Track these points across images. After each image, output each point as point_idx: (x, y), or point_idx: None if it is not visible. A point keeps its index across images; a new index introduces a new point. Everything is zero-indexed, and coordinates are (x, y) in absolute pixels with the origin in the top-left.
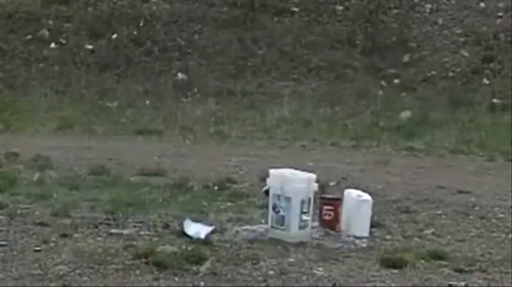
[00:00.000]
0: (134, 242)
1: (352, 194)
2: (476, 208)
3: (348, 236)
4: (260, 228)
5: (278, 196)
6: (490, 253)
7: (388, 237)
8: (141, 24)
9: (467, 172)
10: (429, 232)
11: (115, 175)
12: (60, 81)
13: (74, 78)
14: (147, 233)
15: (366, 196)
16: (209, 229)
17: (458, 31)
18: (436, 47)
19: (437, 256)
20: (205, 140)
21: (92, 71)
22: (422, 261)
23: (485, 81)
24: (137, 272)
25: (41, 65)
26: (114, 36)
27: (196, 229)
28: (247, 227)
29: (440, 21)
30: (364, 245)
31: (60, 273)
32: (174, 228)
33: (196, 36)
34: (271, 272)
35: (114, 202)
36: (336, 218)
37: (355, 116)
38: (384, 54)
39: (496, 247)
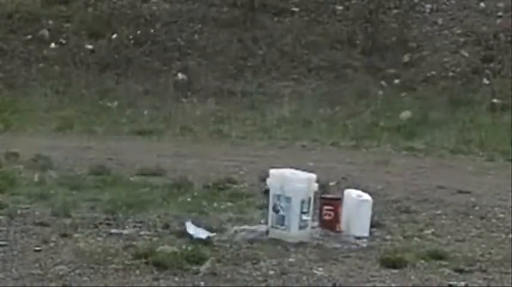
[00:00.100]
0: (134, 242)
1: (352, 194)
2: (476, 208)
3: (348, 236)
4: (260, 228)
5: (278, 196)
6: (490, 253)
7: (388, 237)
8: (141, 24)
9: (467, 172)
10: (429, 232)
11: (115, 175)
12: (60, 81)
13: (74, 78)
14: (147, 233)
15: (366, 196)
16: (210, 234)
17: (458, 31)
18: (436, 47)
19: (437, 256)
20: (205, 140)
21: (92, 71)
22: (422, 261)
23: (485, 81)
24: (137, 272)
25: (41, 65)
26: (114, 36)
27: (197, 230)
28: (247, 227)
29: (440, 21)
30: (364, 245)
31: (60, 273)
32: (174, 228)
33: (196, 36)
34: (271, 272)
35: (114, 202)
36: (336, 218)
37: (355, 116)
38: (383, 54)
39: (496, 247)
